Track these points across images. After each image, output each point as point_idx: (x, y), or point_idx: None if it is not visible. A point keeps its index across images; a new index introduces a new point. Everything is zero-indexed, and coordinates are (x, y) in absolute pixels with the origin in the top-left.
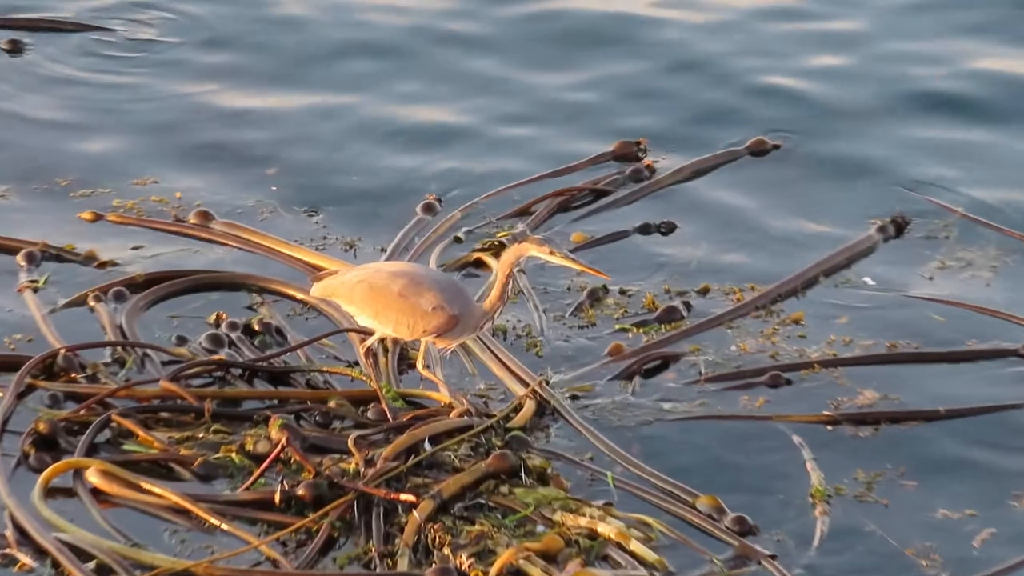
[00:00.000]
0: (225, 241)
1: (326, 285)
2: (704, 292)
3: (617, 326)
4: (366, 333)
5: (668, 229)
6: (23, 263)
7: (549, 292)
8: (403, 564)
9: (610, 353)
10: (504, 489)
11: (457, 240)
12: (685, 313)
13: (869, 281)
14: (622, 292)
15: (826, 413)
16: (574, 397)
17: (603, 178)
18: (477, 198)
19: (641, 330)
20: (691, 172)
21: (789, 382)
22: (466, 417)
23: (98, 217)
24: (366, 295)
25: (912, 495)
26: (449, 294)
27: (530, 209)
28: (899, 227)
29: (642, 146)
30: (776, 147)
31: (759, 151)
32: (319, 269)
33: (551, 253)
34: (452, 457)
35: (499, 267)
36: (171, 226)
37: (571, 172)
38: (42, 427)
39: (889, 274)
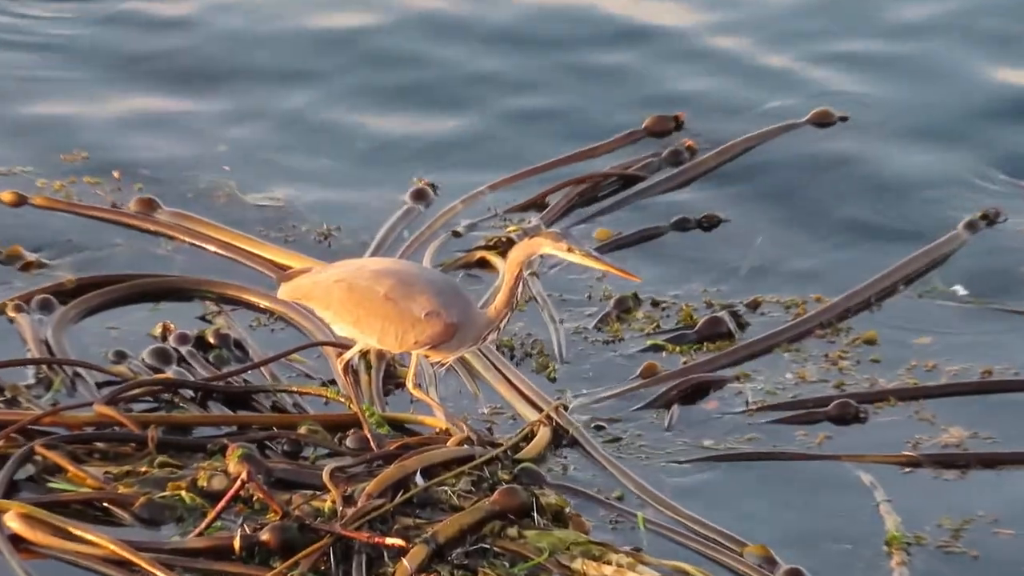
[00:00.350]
0: (174, 234)
1: (297, 286)
2: (755, 305)
3: (649, 342)
4: (344, 346)
5: (712, 224)
6: None
7: (567, 300)
8: None
9: (641, 375)
10: (512, 532)
11: (456, 235)
12: (733, 329)
13: (959, 290)
14: (655, 303)
15: (904, 453)
16: (598, 427)
17: (633, 161)
18: (481, 186)
19: (678, 349)
20: (741, 150)
21: (858, 416)
22: (466, 446)
23: (21, 200)
24: (346, 298)
25: (1008, 546)
26: (446, 298)
27: (544, 200)
28: (991, 222)
29: (680, 121)
30: (843, 119)
31: (822, 123)
32: (287, 268)
33: (569, 250)
34: (449, 493)
35: (506, 267)
36: (108, 214)
37: (595, 155)
38: None
39: (983, 281)
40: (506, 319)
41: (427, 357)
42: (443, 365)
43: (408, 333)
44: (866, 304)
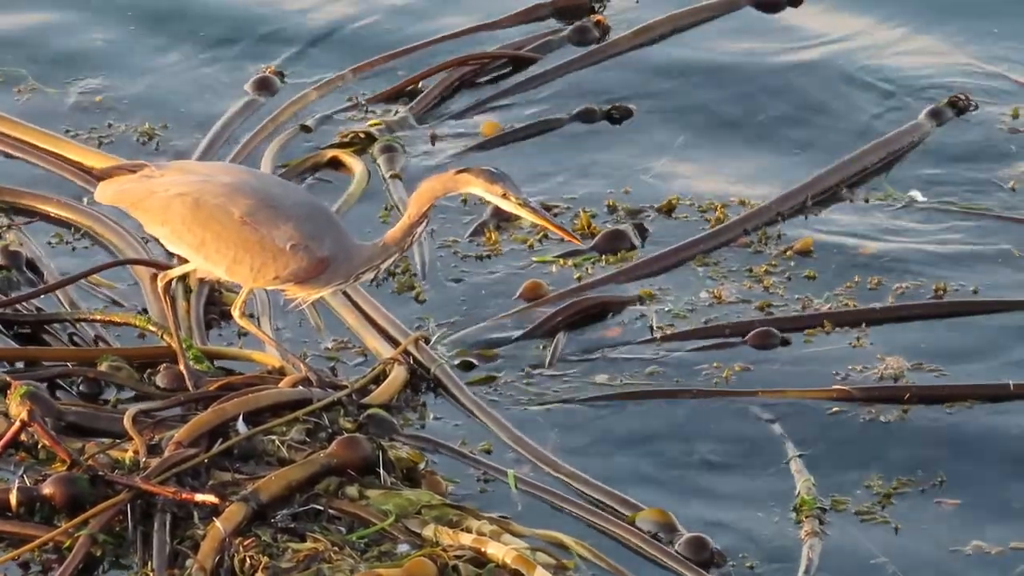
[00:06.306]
0: None
1: (124, 191)
2: (669, 210)
3: (535, 258)
4: (160, 265)
5: (622, 116)
6: None
7: (436, 205)
8: None
9: (523, 297)
10: (352, 490)
11: (305, 130)
12: (637, 241)
13: (917, 196)
14: (545, 208)
15: (834, 387)
16: (466, 364)
17: (529, 40)
18: (342, 70)
19: (571, 263)
20: (666, 31)
21: (785, 343)
22: (303, 387)
23: None
24: (190, 217)
25: (950, 516)
26: (316, 226)
27: (416, 86)
28: (960, 111)
29: None
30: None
31: (768, 3)
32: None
33: (504, 196)
34: (277, 444)
35: (414, 198)
36: None
37: (486, 30)
38: None
39: (946, 182)
40: (392, 259)
41: (284, 292)
42: (300, 305)
43: (267, 266)
44: (801, 208)
